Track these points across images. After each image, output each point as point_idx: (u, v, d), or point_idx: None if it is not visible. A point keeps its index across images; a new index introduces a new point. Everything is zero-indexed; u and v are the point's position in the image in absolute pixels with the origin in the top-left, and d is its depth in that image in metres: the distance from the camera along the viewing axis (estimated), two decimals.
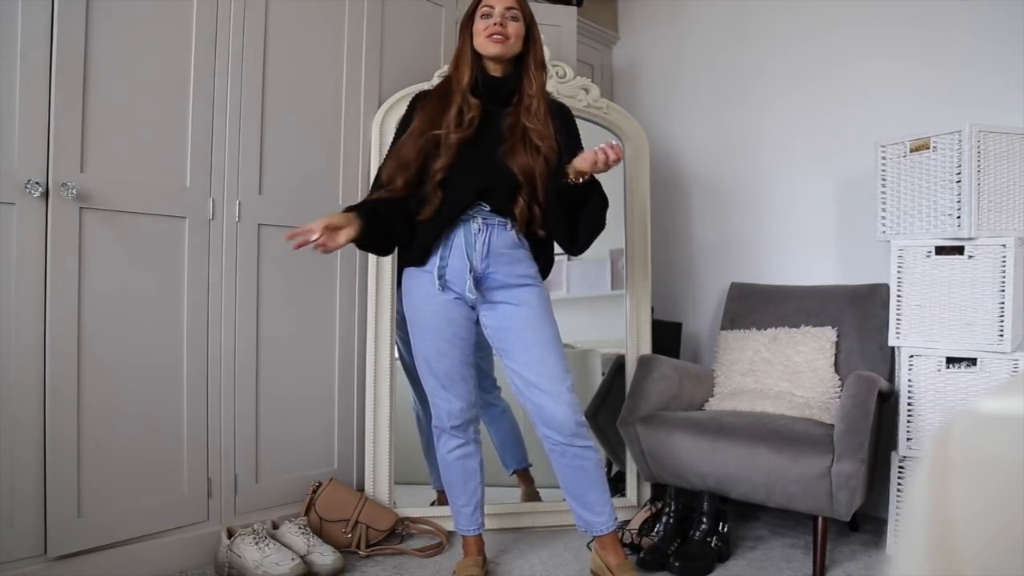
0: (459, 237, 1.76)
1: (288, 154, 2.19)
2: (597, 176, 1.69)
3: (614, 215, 2.52)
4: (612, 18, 3.38)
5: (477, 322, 1.84)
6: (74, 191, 1.69)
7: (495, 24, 1.73)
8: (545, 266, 1.88)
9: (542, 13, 2.72)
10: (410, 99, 1.92)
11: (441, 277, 1.76)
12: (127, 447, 1.83)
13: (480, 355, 1.95)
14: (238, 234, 2.06)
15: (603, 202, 1.78)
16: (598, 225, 1.80)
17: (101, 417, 1.78)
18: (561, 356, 1.77)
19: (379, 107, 2.38)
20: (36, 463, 1.67)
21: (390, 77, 2.43)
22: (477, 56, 1.77)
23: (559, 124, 1.80)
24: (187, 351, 1.95)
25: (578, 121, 2.46)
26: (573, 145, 1.82)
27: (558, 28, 2.73)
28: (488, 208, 1.76)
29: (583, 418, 1.77)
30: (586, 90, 2.50)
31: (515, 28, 1.75)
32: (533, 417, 1.78)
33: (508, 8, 1.74)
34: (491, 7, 1.74)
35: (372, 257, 2.29)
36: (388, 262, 2.29)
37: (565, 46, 2.73)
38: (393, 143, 1.86)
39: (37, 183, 1.64)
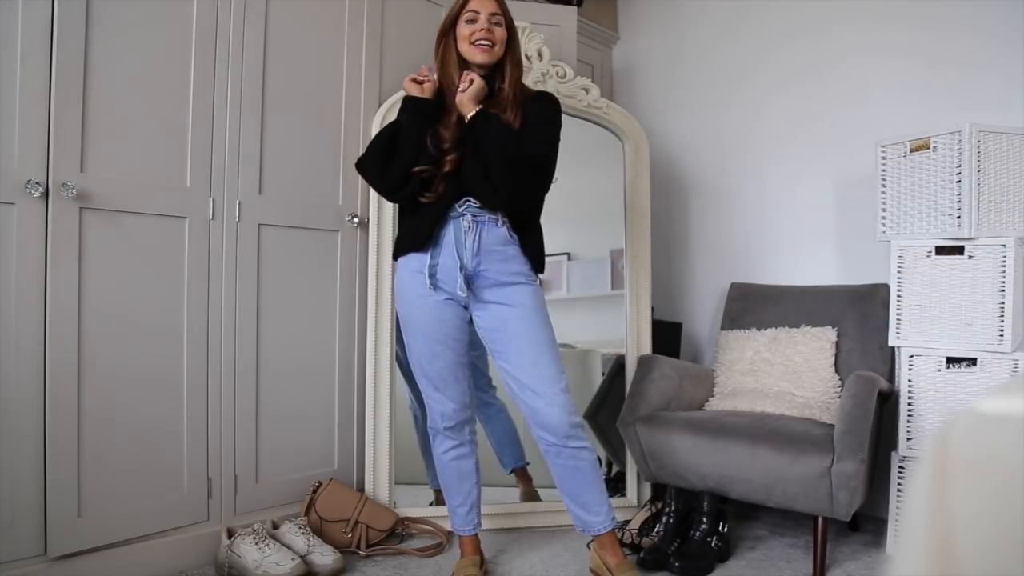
0: (449, 235, 1.76)
1: (288, 154, 2.19)
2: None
3: (614, 214, 2.54)
4: (612, 18, 3.38)
5: (471, 322, 1.84)
6: (74, 191, 1.69)
7: (481, 30, 1.75)
8: (536, 258, 1.82)
9: (542, 13, 2.72)
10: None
11: (432, 276, 1.76)
12: (127, 447, 1.83)
13: (475, 353, 1.95)
14: (238, 234, 2.06)
15: (507, 134, 1.70)
16: (511, 163, 1.68)
17: (101, 417, 1.78)
18: (555, 357, 1.76)
19: (379, 107, 2.38)
20: (36, 463, 1.67)
21: (390, 77, 2.43)
22: (463, 60, 1.80)
23: (531, 106, 1.79)
24: (187, 351, 1.95)
25: (579, 121, 2.48)
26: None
27: (558, 28, 2.73)
28: (477, 204, 1.76)
29: (578, 419, 1.77)
30: (586, 90, 2.49)
31: (500, 34, 1.78)
32: (528, 419, 1.78)
33: (492, 14, 1.78)
34: (476, 13, 1.77)
35: (372, 257, 2.30)
36: (388, 263, 2.29)
37: (565, 46, 2.73)
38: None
39: (37, 183, 1.64)
